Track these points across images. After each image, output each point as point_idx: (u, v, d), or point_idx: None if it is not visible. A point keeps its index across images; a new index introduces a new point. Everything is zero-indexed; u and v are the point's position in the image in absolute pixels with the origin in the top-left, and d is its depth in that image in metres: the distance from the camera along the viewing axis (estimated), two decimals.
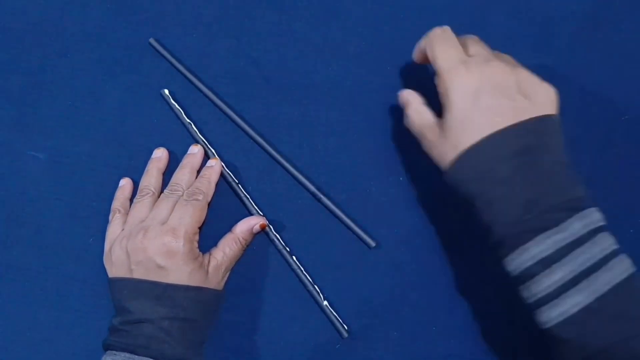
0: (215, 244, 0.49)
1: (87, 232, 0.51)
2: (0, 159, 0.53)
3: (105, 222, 0.50)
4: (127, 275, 0.45)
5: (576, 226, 0.37)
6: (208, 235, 0.50)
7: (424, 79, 0.54)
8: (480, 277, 0.51)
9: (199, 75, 0.53)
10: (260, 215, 0.51)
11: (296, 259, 0.50)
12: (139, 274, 0.45)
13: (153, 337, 0.43)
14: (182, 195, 0.48)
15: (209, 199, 0.50)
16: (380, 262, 0.51)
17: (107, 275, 0.48)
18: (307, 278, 0.50)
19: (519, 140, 0.38)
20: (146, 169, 0.51)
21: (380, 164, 0.52)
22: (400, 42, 0.54)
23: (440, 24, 0.54)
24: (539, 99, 0.40)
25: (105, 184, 0.52)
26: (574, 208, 0.37)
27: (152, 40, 0.53)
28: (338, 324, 0.49)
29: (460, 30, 0.54)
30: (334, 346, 0.50)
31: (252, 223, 0.49)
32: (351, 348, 0.50)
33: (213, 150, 0.52)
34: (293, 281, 0.51)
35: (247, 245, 0.50)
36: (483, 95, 0.39)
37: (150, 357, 0.43)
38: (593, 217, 0.38)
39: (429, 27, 0.54)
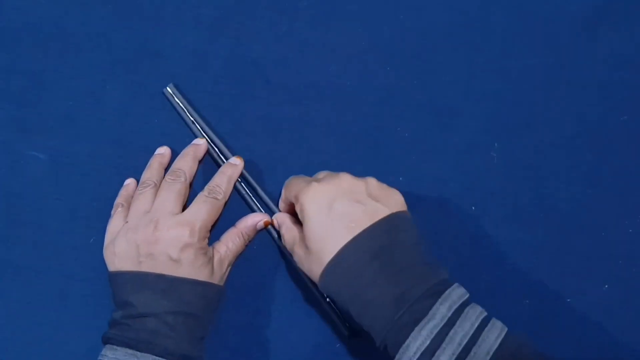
0: (212, 242, 0.49)
1: (87, 232, 0.51)
2: (0, 159, 0.53)
3: (106, 222, 0.49)
4: (133, 268, 0.45)
5: (443, 310, 0.38)
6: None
7: (424, 79, 0.54)
8: (479, 277, 0.51)
9: (209, 122, 0.53)
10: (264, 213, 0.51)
11: None
12: (146, 266, 0.44)
13: (156, 331, 0.43)
14: (185, 181, 0.48)
15: (227, 199, 0.49)
16: None
17: (107, 270, 0.47)
18: (308, 277, 0.50)
19: (374, 242, 0.40)
20: (148, 163, 0.51)
21: (380, 164, 0.52)
22: (400, 42, 0.54)
23: (440, 24, 0.55)
24: (388, 200, 0.42)
25: (105, 184, 0.52)
26: (437, 292, 0.39)
27: (167, 89, 0.53)
28: (339, 323, 0.49)
29: (460, 30, 0.55)
30: (334, 345, 0.50)
31: (256, 219, 0.49)
32: (352, 347, 0.50)
33: (216, 148, 0.52)
34: (295, 280, 0.51)
35: (250, 241, 0.50)
36: (336, 203, 0.41)
37: (152, 354, 0.42)
38: (455, 295, 0.40)
39: (429, 27, 0.55)
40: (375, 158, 0.53)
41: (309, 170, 0.52)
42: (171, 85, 0.53)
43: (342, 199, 0.41)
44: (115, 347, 0.43)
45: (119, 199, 0.50)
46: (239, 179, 0.51)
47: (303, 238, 0.43)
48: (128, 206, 0.49)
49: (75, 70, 0.54)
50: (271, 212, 0.51)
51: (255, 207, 0.51)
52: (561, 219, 0.52)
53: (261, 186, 0.52)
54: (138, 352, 0.42)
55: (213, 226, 0.48)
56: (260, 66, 0.54)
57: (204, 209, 0.46)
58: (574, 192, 0.52)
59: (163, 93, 0.53)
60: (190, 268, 0.45)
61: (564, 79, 0.54)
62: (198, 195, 0.48)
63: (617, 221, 0.52)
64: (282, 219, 0.48)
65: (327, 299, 0.50)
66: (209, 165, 0.52)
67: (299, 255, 0.44)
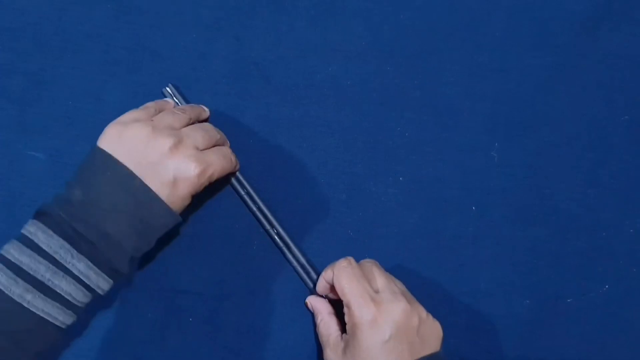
0: (213, 242, 0.49)
1: None
2: (0, 159, 0.53)
3: None
4: (125, 162, 0.41)
5: None
6: (207, 233, 0.50)
7: (424, 79, 0.54)
8: (479, 277, 0.51)
9: None
10: (267, 215, 0.51)
11: (297, 258, 0.50)
12: (141, 170, 0.41)
13: (106, 236, 0.40)
14: (216, 140, 0.47)
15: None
16: (380, 261, 0.51)
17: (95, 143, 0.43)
18: (308, 277, 0.50)
19: None
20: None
21: (380, 164, 0.52)
22: (400, 42, 0.54)
23: (440, 24, 0.55)
24: (431, 339, 0.44)
25: None
26: None
27: (167, 89, 0.53)
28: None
29: (460, 30, 0.55)
30: None
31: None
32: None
33: None
34: (293, 281, 0.51)
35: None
36: (388, 336, 0.41)
37: (89, 259, 0.40)
38: None
39: (429, 27, 0.55)
40: (375, 158, 0.53)
41: (309, 170, 0.52)
42: (170, 85, 0.53)
43: (395, 335, 0.42)
44: (52, 233, 0.39)
45: (152, 103, 0.47)
46: (240, 179, 0.51)
47: (341, 341, 0.44)
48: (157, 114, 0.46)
49: (75, 70, 0.54)
50: (269, 213, 0.51)
51: (254, 209, 0.51)
52: (561, 219, 0.52)
53: (260, 187, 0.52)
54: (74, 252, 0.39)
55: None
56: (260, 66, 0.54)
57: (222, 160, 0.45)
58: (574, 192, 0.52)
59: (162, 93, 0.53)
60: (175, 199, 0.43)
61: (564, 79, 0.54)
62: (222, 146, 0.47)
63: (617, 221, 0.52)
64: (319, 308, 0.48)
65: (327, 300, 0.50)
66: None
67: (332, 354, 0.45)
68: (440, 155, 0.53)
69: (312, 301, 0.49)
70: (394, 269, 0.51)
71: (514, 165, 0.53)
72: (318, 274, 0.50)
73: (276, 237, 0.51)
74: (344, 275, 0.44)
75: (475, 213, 0.52)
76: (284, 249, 0.50)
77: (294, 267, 0.50)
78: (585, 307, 0.51)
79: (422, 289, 0.51)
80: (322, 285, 0.47)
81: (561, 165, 0.53)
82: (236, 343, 0.50)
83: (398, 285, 0.45)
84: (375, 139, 0.53)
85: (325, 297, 0.49)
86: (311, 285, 0.50)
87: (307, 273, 0.50)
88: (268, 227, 0.51)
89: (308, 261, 0.50)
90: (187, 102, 0.53)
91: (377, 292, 0.44)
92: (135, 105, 0.53)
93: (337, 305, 0.47)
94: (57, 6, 0.55)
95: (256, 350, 0.50)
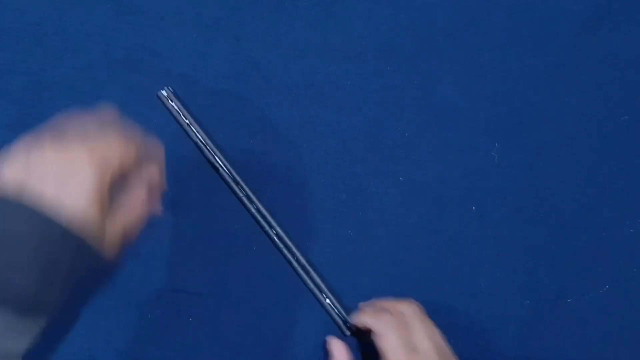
0: (213, 242, 0.49)
1: None
2: (0, 159, 0.53)
3: None
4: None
5: None
6: (207, 233, 0.50)
7: (424, 79, 0.54)
8: (479, 277, 0.51)
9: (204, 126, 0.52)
10: (266, 217, 0.51)
11: (297, 258, 0.50)
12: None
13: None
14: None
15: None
16: (380, 261, 0.51)
17: None
18: (308, 277, 0.50)
19: None
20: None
21: (380, 164, 0.52)
22: (400, 42, 0.54)
23: (440, 24, 0.55)
24: None
25: None
26: None
27: (162, 92, 0.52)
28: (340, 323, 0.49)
29: (460, 30, 0.55)
30: None
31: None
32: (352, 347, 0.50)
33: (214, 150, 0.52)
34: (294, 280, 0.51)
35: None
36: None
37: None
38: None
39: (429, 27, 0.55)
40: (375, 158, 0.53)
41: (309, 170, 0.52)
42: (166, 88, 0.53)
43: None
44: None
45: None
46: (237, 180, 0.51)
47: None
48: None
49: (75, 70, 0.54)
50: (269, 215, 0.51)
51: (252, 210, 0.51)
52: (561, 219, 0.52)
53: (260, 187, 0.52)
54: None
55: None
56: (260, 66, 0.54)
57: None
58: (574, 192, 0.52)
59: (158, 97, 0.53)
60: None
61: (564, 79, 0.54)
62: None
63: (617, 221, 0.52)
64: (336, 356, 0.47)
65: (327, 299, 0.50)
66: (205, 169, 0.51)
67: None
68: (440, 155, 0.53)
69: (332, 346, 0.47)
70: (394, 269, 0.51)
71: (514, 165, 0.53)
72: (319, 275, 0.50)
73: (275, 237, 0.51)
74: (386, 334, 0.44)
75: (475, 213, 0.52)
76: (284, 249, 0.50)
77: (294, 268, 0.50)
78: (585, 307, 0.51)
79: (422, 288, 0.51)
80: (359, 324, 0.47)
81: (561, 165, 0.53)
82: (236, 343, 0.50)
83: (436, 341, 0.45)
84: (375, 139, 0.53)
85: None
86: (312, 284, 0.50)
87: (307, 273, 0.50)
88: (267, 228, 0.51)
89: (308, 261, 0.50)
90: (184, 104, 0.53)
91: (414, 349, 0.43)
92: (135, 104, 0.53)
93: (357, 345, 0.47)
94: (57, 6, 0.55)
95: (256, 350, 0.50)
